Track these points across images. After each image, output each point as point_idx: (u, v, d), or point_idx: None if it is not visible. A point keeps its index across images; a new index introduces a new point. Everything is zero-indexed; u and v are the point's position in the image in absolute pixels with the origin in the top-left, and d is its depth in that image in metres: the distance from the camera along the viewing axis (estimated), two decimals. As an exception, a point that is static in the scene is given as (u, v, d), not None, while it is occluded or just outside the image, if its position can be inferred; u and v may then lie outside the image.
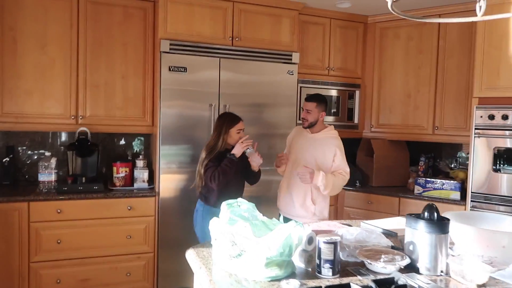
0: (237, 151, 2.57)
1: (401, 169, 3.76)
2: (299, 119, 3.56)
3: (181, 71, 3.06)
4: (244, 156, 2.66)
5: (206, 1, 3.13)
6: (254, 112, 3.28)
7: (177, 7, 3.06)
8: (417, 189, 3.37)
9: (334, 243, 1.39)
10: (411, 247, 1.51)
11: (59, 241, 2.87)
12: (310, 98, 2.77)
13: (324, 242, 1.38)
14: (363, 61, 3.84)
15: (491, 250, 1.59)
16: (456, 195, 3.17)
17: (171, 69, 3.03)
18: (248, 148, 2.60)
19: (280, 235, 1.32)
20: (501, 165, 2.88)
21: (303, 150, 2.74)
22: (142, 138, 3.63)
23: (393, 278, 1.31)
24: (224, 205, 1.53)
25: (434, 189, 3.27)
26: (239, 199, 1.58)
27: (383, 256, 1.48)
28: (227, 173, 2.54)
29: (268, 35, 3.32)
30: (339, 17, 3.69)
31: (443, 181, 3.25)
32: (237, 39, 3.22)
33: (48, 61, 3.04)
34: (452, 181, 3.22)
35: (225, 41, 3.19)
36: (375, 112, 3.79)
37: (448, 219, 1.48)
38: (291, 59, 3.36)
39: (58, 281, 2.87)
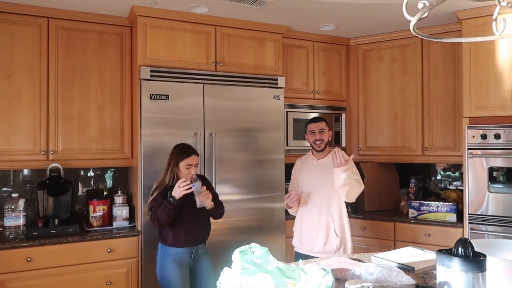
0: (176, 194, 2.27)
1: (392, 192, 3.68)
2: (287, 145, 3.46)
3: (163, 99, 2.86)
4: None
5: (187, 25, 2.98)
6: (241, 138, 3.12)
7: (157, 32, 2.89)
8: (412, 213, 3.28)
9: (367, 291, 1.22)
10: (445, 288, 1.36)
11: (29, 294, 2.54)
12: (318, 118, 2.72)
13: (356, 291, 1.21)
14: (347, 84, 3.79)
15: (523, 283, 1.47)
16: (452, 217, 3.10)
17: (152, 97, 2.83)
18: (193, 186, 2.29)
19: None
20: (497, 185, 2.84)
21: (315, 180, 2.62)
22: (120, 172, 3.36)
23: (438, 329, 1.15)
24: (237, 253, 1.33)
25: (429, 211, 3.19)
26: (252, 244, 1.38)
27: (417, 301, 1.32)
28: (166, 215, 2.29)
29: (253, 60, 3.21)
30: (321, 40, 3.64)
31: (438, 203, 3.18)
32: (220, 64, 3.08)
33: (14, 92, 2.76)
34: (447, 203, 3.15)
35: (208, 66, 3.05)
36: (362, 134, 3.72)
37: (485, 255, 1.35)
38: (276, 84, 3.25)
39: None
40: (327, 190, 2.58)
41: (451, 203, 3.13)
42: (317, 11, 3.02)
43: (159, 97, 2.85)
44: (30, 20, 2.80)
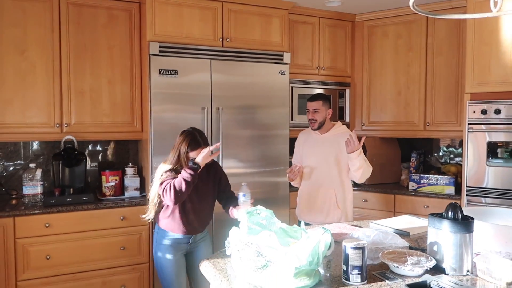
0: (201, 161, 2.13)
1: (393, 166, 3.78)
2: (292, 119, 3.55)
3: (171, 74, 2.95)
4: (211, 170, 2.34)
5: (195, 1, 3.03)
6: (247, 114, 3.21)
7: (165, 8, 2.95)
8: (412, 186, 3.39)
9: (362, 248, 1.34)
10: (435, 248, 1.48)
11: (48, 257, 2.71)
12: (314, 97, 2.73)
13: (352, 248, 1.33)
14: (352, 60, 3.84)
15: (510, 245, 1.58)
16: (451, 189, 3.21)
17: (161, 72, 2.92)
18: (243, 194, 2.15)
19: (309, 244, 1.26)
20: (495, 159, 2.93)
21: (318, 154, 2.69)
22: (131, 145, 3.49)
23: (425, 281, 1.28)
24: (244, 213, 1.46)
25: (429, 184, 3.30)
26: (258, 206, 1.51)
27: (408, 258, 1.45)
28: (185, 182, 2.07)
29: (259, 36, 3.26)
30: (327, 16, 3.67)
31: (437, 176, 3.28)
32: (227, 40, 3.15)
33: (28, 67, 2.86)
34: (446, 176, 3.26)
35: (215, 42, 3.11)
36: (365, 110, 3.80)
37: (472, 218, 1.46)
38: (282, 59, 3.31)
39: (49, 299, 2.72)
40: (330, 164, 2.67)
41: (450, 176, 3.23)
42: (323, -13, 3.05)
43: (168, 72, 2.94)
44: (42, -4, 2.87)
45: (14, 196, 3.02)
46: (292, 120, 3.54)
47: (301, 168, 2.74)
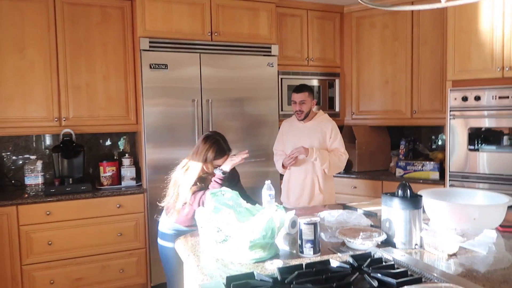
0: (227, 168, 2.14)
1: (383, 154, 3.87)
2: (281, 110, 3.66)
3: (162, 68, 3.09)
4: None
5: (183, -3, 3.16)
6: (236, 106, 3.34)
7: (154, 4, 3.08)
8: (399, 172, 3.48)
9: (314, 224, 1.46)
10: (387, 224, 1.59)
11: (50, 243, 2.90)
12: (300, 88, 2.80)
13: (305, 224, 1.46)
14: (341, 51, 3.92)
15: (463, 222, 1.69)
16: (436, 175, 3.29)
17: (152, 67, 3.06)
18: (269, 192, 1.93)
19: (262, 219, 1.39)
20: (476, 144, 3.00)
21: (302, 142, 2.78)
22: (127, 137, 3.66)
23: (370, 252, 1.39)
24: (208, 194, 1.59)
25: (415, 171, 3.39)
26: (223, 187, 1.64)
27: (361, 233, 1.56)
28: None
29: (247, 29, 3.37)
30: (315, 8, 3.75)
31: (423, 162, 3.37)
32: (216, 34, 3.27)
33: (27, 65, 3.04)
34: (431, 162, 3.34)
35: (204, 36, 3.24)
36: (355, 99, 3.89)
37: (421, 196, 1.57)
38: (270, 52, 3.42)
39: (52, 281, 2.91)
40: None
41: (434, 162, 3.31)
42: (307, -20, 3.14)
43: (159, 66, 3.08)
44: (37, -3, 3.03)
45: (20, 186, 3.22)
46: (282, 110, 3.66)
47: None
